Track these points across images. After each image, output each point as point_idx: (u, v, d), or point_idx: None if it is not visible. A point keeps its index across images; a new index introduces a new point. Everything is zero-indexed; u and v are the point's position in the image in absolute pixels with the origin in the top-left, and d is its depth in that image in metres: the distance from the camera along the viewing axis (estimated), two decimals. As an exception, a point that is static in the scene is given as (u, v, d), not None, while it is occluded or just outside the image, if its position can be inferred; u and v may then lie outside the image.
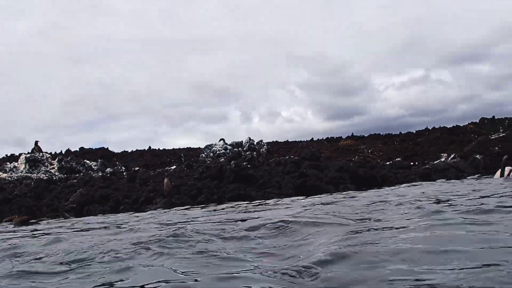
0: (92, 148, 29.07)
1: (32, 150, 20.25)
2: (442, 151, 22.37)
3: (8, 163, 20.13)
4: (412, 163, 19.81)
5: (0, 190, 16.66)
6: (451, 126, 27.39)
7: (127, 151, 30.96)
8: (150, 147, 31.09)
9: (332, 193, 11.90)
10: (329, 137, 29.83)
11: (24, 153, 20.19)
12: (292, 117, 68.10)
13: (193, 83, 75.37)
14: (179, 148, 32.34)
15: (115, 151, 29.83)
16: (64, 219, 11.29)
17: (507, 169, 11.24)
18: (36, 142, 20.48)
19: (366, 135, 29.30)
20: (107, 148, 29.46)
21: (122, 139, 61.74)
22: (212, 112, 72.70)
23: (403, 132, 28.82)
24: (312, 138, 30.37)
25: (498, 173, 11.57)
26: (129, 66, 73.89)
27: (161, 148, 31.89)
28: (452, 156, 20.22)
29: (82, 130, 62.06)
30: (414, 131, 28.32)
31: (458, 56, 70.03)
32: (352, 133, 29.65)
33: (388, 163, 19.89)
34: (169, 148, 32.15)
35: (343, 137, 29.27)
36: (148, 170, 20.19)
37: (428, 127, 28.24)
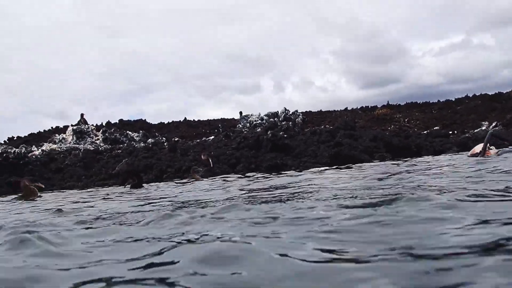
0: (130, 120, 30.42)
1: (78, 122, 21.68)
2: (483, 119, 22.21)
3: (56, 134, 21.66)
4: (450, 132, 19.91)
5: (52, 160, 18.18)
6: (492, 93, 26.86)
7: (164, 123, 32.24)
8: (185, 118, 32.16)
9: (369, 161, 12.44)
10: (364, 106, 29.96)
11: (71, 125, 21.63)
12: (325, 86, 67.60)
13: (225, 53, 75.77)
14: (214, 119, 33.27)
15: (152, 123, 31.21)
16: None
17: (493, 150, 8.89)
18: (82, 115, 21.92)
19: (402, 104, 29.21)
20: (145, 119, 30.73)
21: (158, 110, 63.54)
22: (244, 82, 73.10)
23: (441, 100, 28.53)
24: (346, 108, 30.58)
25: (477, 148, 9.08)
26: (162, 37, 74.99)
27: (195, 119, 32.93)
28: (493, 124, 20.12)
29: (119, 101, 64.21)
30: (453, 99, 27.99)
31: (502, 18, 66.80)
32: (388, 102, 29.62)
33: (425, 132, 20.07)
34: (204, 119, 33.13)
35: (378, 106, 29.31)
36: (186, 140, 21.27)
37: (468, 95, 27.83)
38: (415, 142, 15.21)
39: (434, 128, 21.81)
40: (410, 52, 68.32)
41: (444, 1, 67.32)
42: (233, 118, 31.50)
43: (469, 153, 9.45)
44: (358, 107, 30.05)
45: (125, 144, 19.30)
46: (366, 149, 13.99)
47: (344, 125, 16.27)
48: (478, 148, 9.04)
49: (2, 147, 20.60)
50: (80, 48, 70.76)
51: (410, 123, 24.08)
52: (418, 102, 29.08)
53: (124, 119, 30.08)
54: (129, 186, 10.62)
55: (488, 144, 8.88)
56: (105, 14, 70.20)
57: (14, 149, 19.18)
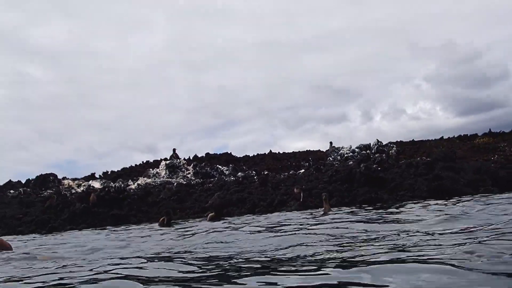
0: (216, 154, 32.14)
1: (171, 157, 23.54)
2: None
3: (150, 169, 23.67)
4: None
5: (148, 194, 19.87)
6: None
7: (249, 155, 33.55)
8: (270, 151, 33.17)
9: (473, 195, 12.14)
10: (462, 134, 28.77)
11: (164, 159, 23.53)
12: (418, 114, 65.21)
13: (310, 83, 76.82)
14: (299, 151, 33.93)
15: (237, 156, 32.66)
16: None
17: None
18: (174, 150, 23.83)
19: (506, 131, 27.62)
20: (230, 153, 32.27)
21: (241, 143, 65.91)
22: (330, 113, 73.11)
23: (553, 126, 26.57)
24: (442, 137, 29.57)
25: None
26: (246, 70, 78.33)
27: (280, 152, 33.82)
28: None
29: (204, 135, 67.82)
30: None
31: None
32: (490, 129, 28.19)
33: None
34: (289, 151, 33.92)
35: (479, 134, 28.00)
36: (274, 174, 22.06)
37: None
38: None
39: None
40: (514, 74, 63.84)
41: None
42: (319, 150, 31.93)
43: None
44: (455, 136, 28.96)
45: (216, 178, 20.53)
46: (470, 182, 13.63)
47: (443, 156, 15.97)
48: None
49: (101, 182, 22.95)
50: (170, 85, 76.48)
51: (518, 153, 22.71)
52: (526, 129, 27.36)
53: (210, 153, 31.90)
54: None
55: None
56: (193, 50, 75.32)
57: (114, 183, 21.30)
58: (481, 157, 21.77)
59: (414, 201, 12.08)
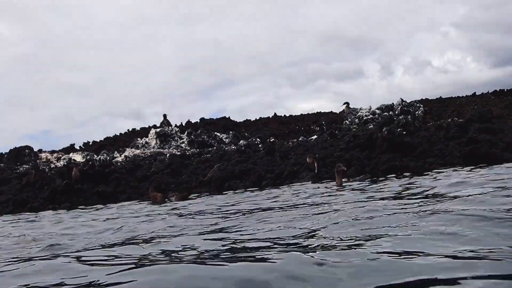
0: (213, 119, 31.98)
1: (161, 124, 23.44)
2: None
3: (138, 138, 23.60)
4: None
5: (137, 167, 19.87)
6: None
7: (250, 120, 33.46)
8: (275, 113, 33.04)
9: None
10: (498, 89, 28.49)
11: (154, 127, 23.44)
12: (445, 67, 64.36)
13: (319, 34, 75.54)
14: (308, 113, 33.80)
15: (237, 120, 32.51)
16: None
17: None
18: (165, 116, 23.65)
19: (551, 84, 27.34)
20: (229, 117, 32.10)
21: (241, 105, 65.50)
22: (343, 67, 72.27)
23: None
24: (475, 93, 29.31)
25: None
26: (245, 22, 76.98)
27: (286, 115, 33.65)
28: None
29: (198, 97, 67.36)
30: None
31: None
32: (531, 83, 27.90)
33: None
34: (296, 114, 33.77)
35: (518, 88, 27.76)
36: (282, 141, 22.02)
37: None
38: None
39: None
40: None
41: None
42: (331, 112, 31.76)
43: None
44: (490, 91, 28.69)
45: (214, 148, 20.48)
46: (509, 145, 13.52)
47: (478, 116, 15.82)
48: None
49: (83, 154, 22.94)
50: (156, 41, 75.41)
51: None
52: None
53: (205, 118, 31.73)
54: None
55: None
56: (183, 0, 73.91)
57: (98, 156, 21.28)
58: (522, 116, 21.61)
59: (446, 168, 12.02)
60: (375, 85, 62.13)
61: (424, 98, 29.52)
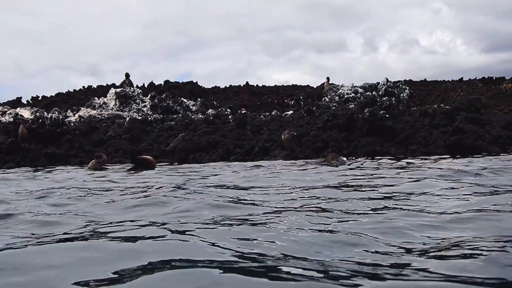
0: (178, 82, 31.42)
1: (122, 83, 22.86)
2: None
3: (96, 98, 23.02)
4: None
5: (93, 129, 19.41)
6: None
7: (219, 87, 33.12)
8: (247, 82, 32.80)
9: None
10: (487, 77, 28.97)
11: (114, 86, 22.89)
12: (433, 47, 65.05)
13: (302, 0, 74.86)
14: (282, 85, 33.68)
15: (205, 86, 32.05)
16: None
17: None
18: (127, 75, 23.05)
19: (542, 75, 27.97)
20: (196, 82, 31.61)
21: (210, 70, 64.63)
22: (325, 38, 72.11)
23: None
24: (462, 78, 29.70)
25: None
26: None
27: (259, 85, 33.43)
28: None
29: (163, 57, 66.05)
30: None
31: None
32: (520, 72, 28.47)
33: None
34: (270, 85, 33.58)
35: (506, 77, 28.23)
36: (250, 112, 21.88)
37: None
38: None
39: None
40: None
41: None
42: (308, 86, 31.74)
43: None
44: (478, 78, 29.16)
45: (180, 115, 20.17)
46: (497, 139, 13.80)
47: (467, 105, 16.06)
48: None
49: (32, 110, 22.27)
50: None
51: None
52: None
53: (170, 81, 31.15)
54: None
55: None
56: None
57: (49, 113, 20.68)
58: (508, 106, 22.08)
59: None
60: (356, 60, 62.51)
61: (408, 80, 29.77)
